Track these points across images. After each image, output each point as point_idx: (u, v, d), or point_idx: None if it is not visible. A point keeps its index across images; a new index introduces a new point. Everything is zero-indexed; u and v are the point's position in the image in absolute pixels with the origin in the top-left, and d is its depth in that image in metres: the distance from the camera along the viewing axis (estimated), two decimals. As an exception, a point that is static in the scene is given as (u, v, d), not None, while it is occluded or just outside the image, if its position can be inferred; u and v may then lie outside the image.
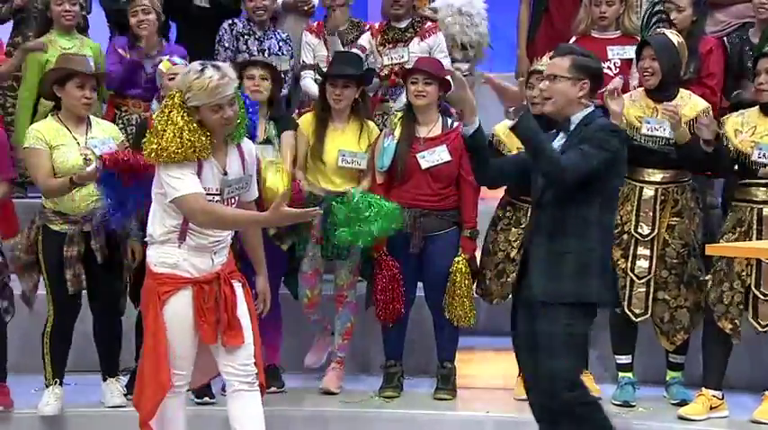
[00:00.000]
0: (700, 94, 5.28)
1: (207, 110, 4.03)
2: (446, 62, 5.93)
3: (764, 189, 4.93)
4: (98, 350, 5.29)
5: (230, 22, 6.25)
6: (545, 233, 4.11)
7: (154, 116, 4.19)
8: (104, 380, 5.27)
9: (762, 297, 4.90)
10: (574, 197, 4.04)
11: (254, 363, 4.26)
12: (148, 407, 4.21)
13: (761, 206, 4.92)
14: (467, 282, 5.28)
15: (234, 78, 4.08)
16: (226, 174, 4.16)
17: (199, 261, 4.15)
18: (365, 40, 6.07)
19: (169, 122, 4.01)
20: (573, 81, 4.10)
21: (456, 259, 5.25)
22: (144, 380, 4.24)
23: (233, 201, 4.20)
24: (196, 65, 4.08)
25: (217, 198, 4.12)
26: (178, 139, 3.99)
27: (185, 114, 4.01)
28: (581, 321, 4.12)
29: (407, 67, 5.57)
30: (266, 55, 6.10)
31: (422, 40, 6.01)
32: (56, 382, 5.15)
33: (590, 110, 4.15)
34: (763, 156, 4.87)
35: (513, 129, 4.02)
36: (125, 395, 5.26)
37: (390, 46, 6.01)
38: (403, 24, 6.05)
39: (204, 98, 4.00)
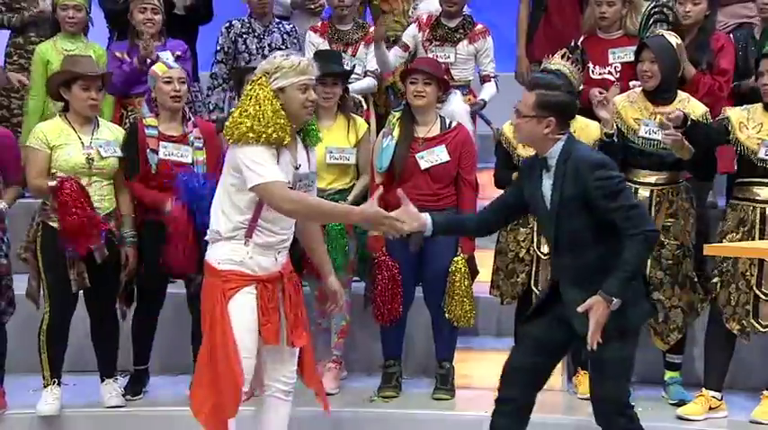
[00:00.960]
0: (709, 86, 5.31)
1: (294, 89, 4.02)
2: (491, 67, 6.03)
3: (767, 188, 4.91)
4: (95, 351, 5.29)
5: (227, 24, 6.26)
6: (572, 278, 4.07)
7: (242, 98, 4.12)
8: (102, 380, 5.28)
9: (763, 297, 4.89)
10: (589, 243, 4.02)
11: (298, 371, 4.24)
12: (229, 401, 4.04)
13: (764, 205, 4.91)
14: (466, 282, 5.27)
15: (316, 68, 4.11)
16: (297, 168, 4.13)
17: (264, 259, 4.11)
18: (409, 34, 6.07)
19: (259, 103, 3.98)
20: (538, 119, 4.02)
21: (455, 259, 5.25)
22: (216, 376, 4.06)
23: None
24: (279, 52, 4.13)
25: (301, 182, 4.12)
26: (272, 119, 3.96)
27: (272, 96, 4.00)
28: (630, 344, 4.13)
29: (451, 69, 5.64)
30: (267, 51, 6.08)
31: (470, 42, 6.04)
32: (54, 382, 5.15)
33: (562, 142, 4.06)
34: None
35: (612, 296, 3.92)
36: (123, 395, 5.27)
37: (437, 43, 6.01)
38: (453, 23, 6.03)
39: (294, 77, 4.01)
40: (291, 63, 4.03)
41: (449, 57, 5.96)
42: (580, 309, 3.94)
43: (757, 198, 4.93)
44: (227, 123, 4.07)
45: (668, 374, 5.29)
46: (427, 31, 6.03)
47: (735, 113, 5.00)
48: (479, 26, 6.08)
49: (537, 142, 4.07)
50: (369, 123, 5.75)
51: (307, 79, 4.05)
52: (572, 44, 5.34)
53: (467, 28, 6.05)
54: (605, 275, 3.94)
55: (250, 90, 4.05)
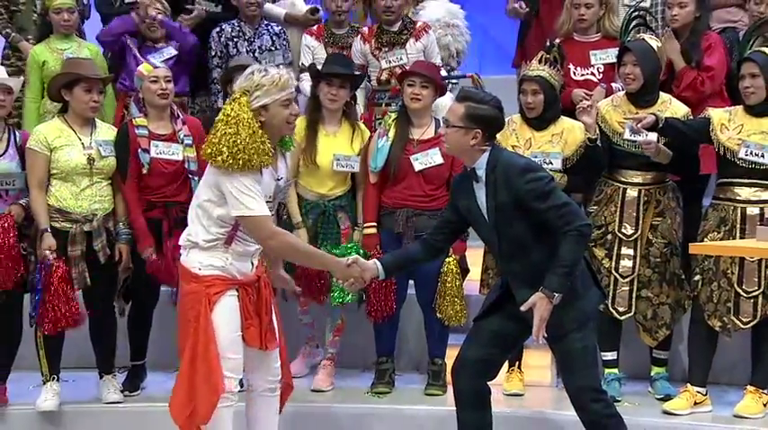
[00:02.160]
0: (692, 79, 5.41)
1: (277, 106, 3.99)
2: (437, 60, 6.08)
3: (747, 188, 4.99)
4: (94, 348, 5.32)
5: (218, 29, 6.32)
6: (522, 280, 4.16)
7: (219, 116, 4.01)
8: (101, 377, 5.33)
9: (744, 294, 4.97)
10: (531, 245, 4.11)
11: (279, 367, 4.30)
12: (203, 410, 4.06)
13: (744, 205, 4.97)
14: (457, 282, 5.33)
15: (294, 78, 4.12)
16: (279, 180, 4.17)
17: (242, 265, 4.13)
18: (357, 52, 6.12)
19: (241, 125, 3.91)
20: (465, 130, 4.09)
21: (446, 259, 5.28)
22: (194, 384, 4.07)
23: (278, 205, 4.24)
24: (255, 67, 4.10)
25: (270, 205, 4.11)
26: (249, 145, 3.90)
27: (251, 117, 3.95)
28: (590, 332, 4.24)
29: (407, 67, 5.63)
30: (257, 54, 6.19)
31: (416, 40, 6.11)
32: (53, 378, 5.20)
33: (488, 152, 4.13)
34: (751, 153, 4.92)
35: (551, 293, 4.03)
36: (122, 391, 5.32)
37: (387, 49, 6.09)
38: (395, 28, 6.12)
39: (276, 93, 3.98)
40: (272, 79, 3.98)
41: (401, 59, 6.03)
42: (523, 307, 4.06)
43: (738, 198, 5.00)
44: (205, 143, 4.03)
45: (654, 370, 5.37)
46: (373, 41, 6.10)
47: (717, 114, 5.08)
48: (419, 23, 6.19)
49: (464, 153, 4.16)
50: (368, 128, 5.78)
51: (288, 94, 4.02)
52: (547, 44, 5.45)
53: (409, 28, 6.14)
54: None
55: (229, 109, 3.96)
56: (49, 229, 5.02)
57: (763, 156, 4.90)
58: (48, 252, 4.99)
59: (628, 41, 5.29)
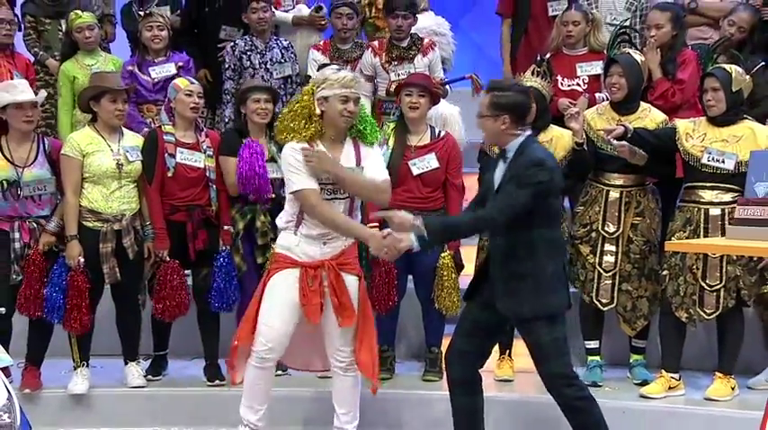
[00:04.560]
0: (665, 89, 5.72)
1: (336, 100, 4.52)
2: (440, 74, 6.42)
3: (710, 191, 5.20)
4: (120, 337, 5.58)
5: (232, 44, 6.58)
6: (502, 255, 4.42)
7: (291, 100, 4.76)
8: (126, 363, 5.59)
9: (707, 288, 5.18)
10: (518, 225, 4.34)
11: (353, 351, 4.68)
12: (234, 355, 4.76)
13: (707, 206, 5.20)
14: (453, 275, 5.53)
15: (363, 84, 4.59)
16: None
17: (310, 248, 4.61)
18: (368, 63, 6.42)
19: (293, 107, 4.58)
20: (494, 118, 4.38)
21: (442, 255, 5.52)
22: (237, 332, 4.77)
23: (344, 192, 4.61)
24: (332, 66, 4.67)
25: (330, 186, 4.57)
26: (291, 122, 4.53)
27: (312, 103, 4.52)
28: (559, 326, 4.46)
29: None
30: (269, 66, 6.49)
31: (424, 56, 6.45)
32: (83, 365, 5.47)
33: (523, 138, 4.39)
34: (712, 159, 5.15)
35: (426, 247, 4.39)
36: (145, 377, 5.59)
37: (396, 63, 6.41)
38: (405, 43, 6.44)
39: (337, 88, 4.51)
40: (338, 77, 4.53)
41: (409, 72, 6.23)
42: (390, 215, 4.29)
43: (702, 200, 5.22)
44: (276, 124, 4.72)
45: (633, 357, 5.61)
46: (383, 54, 6.42)
47: (682, 124, 5.33)
48: (426, 40, 6.52)
49: (498, 137, 4.45)
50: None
51: (349, 92, 4.52)
52: (538, 58, 5.79)
53: (417, 44, 6.46)
54: (527, 257, 4.34)
55: (300, 94, 4.65)
56: (77, 237, 5.28)
57: (723, 161, 5.16)
58: (72, 261, 5.28)
59: (615, 54, 5.57)
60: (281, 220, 4.70)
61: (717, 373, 5.34)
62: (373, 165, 4.69)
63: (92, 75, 5.90)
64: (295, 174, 4.52)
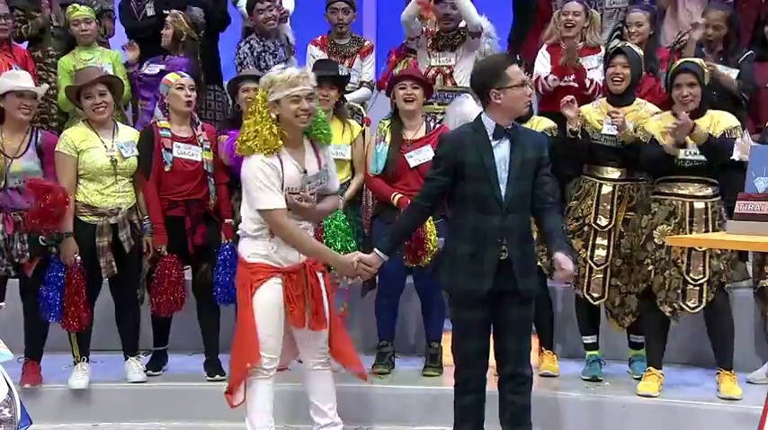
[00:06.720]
0: (651, 86, 5.89)
1: (287, 101, 4.33)
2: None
3: (692, 185, 5.25)
4: (119, 332, 5.60)
5: (249, 45, 6.58)
6: (518, 235, 4.47)
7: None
8: (126, 358, 5.61)
9: (691, 283, 5.22)
10: (526, 200, 4.49)
11: (328, 345, 4.60)
12: (237, 376, 4.49)
13: (691, 200, 5.24)
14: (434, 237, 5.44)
15: (313, 78, 4.42)
16: (305, 172, 4.44)
17: (287, 253, 4.43)
18: (415, 42, 6.46)
19: (253, 117, 4.35)
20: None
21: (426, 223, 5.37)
22: (236, 354, 4.51)
23: (313, 195, 4.48)
24: (278, 66, 4.51)
25: (297, 195, 4.40)
26: (255, 133, 4.30)
27: (265, 110, 4.34)
28: (532, 306, 4.59)
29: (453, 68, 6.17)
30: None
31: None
32: (83, 360, 5.48)
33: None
34: (690, 152, 5.19)
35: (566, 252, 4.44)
36: (145, 372, 5.60)
37: (439, 50, 6.44)
38: (452, 33, 6.46)
39: (286, 89, 4.33)
40: (283, 77, 4.34)
41: (450, 60, 6.39)
42: (564, 268, 4.37)
43: (683, 193, 5.25)
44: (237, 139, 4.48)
45: (632, 352, 5.66)
46: (431, 39, 6.44)
47: (653, 125, 5.33)
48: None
49: (517, 112, 4.51)
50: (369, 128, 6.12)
51: (299, 90, 4.34)
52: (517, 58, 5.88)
53: (462, 34, 6.44)
54: (530, 236, 4.53)
55: (253, 104, 4.44)
56: (72, 234, 5.28)
57: (698, 154, 5.20)
58: (68, 259, 5.28)
59: (622, 45, 5.65)
60: (247, 228, 4.46)
61: (721, 371, 5.32)
62: (332, 167, 4.67)
63: (74, 73, 5.94)
64: (262, 191, 4.32)
